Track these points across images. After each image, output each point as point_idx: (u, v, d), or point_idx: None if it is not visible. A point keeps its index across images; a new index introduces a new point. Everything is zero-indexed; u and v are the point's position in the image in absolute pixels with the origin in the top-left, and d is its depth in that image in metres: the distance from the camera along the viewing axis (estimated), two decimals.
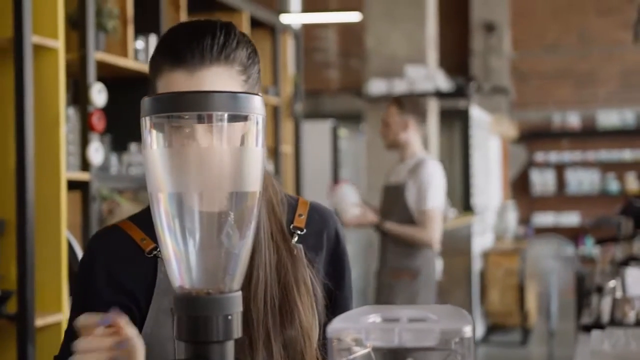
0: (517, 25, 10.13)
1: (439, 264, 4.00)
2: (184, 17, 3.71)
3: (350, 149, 7.39)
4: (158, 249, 1.21)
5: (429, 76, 5.78)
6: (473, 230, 6.95)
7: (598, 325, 2.44)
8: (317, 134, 6.72)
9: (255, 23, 4.40)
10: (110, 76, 3.23)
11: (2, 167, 2.69)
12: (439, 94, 5.89)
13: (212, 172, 0.91)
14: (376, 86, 5.79)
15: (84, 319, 1.04)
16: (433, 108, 6.03)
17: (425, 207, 3.79)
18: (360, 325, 0.84)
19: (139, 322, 1.21)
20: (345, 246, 1.36)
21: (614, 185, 10.00)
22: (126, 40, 3.25)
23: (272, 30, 4.68)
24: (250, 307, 1.20)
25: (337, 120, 7.33)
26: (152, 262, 1.22)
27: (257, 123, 0.91)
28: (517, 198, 10.04)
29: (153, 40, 3.40)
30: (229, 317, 0.88)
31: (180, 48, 1.16)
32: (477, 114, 7.49)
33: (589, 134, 10.05)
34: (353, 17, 6.68)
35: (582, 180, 10.09)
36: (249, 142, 0.91)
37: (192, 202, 0.89)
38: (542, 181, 10.21)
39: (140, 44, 3.35)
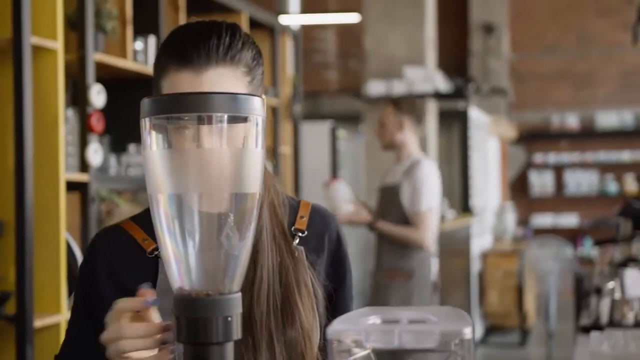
0: (516, 26, 10.14)
1: (434, 265, 4.00)
2: (183, 18, 3.71)
3: (349, 150, 7.39)
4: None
5: (427, 77, 5.78)
6: (472, 232, 6.96)
7: (597, 326, 2.44)
8: (315, 135, 6.72)
9: (254, 24, 4.40)
10: (109, 77, 3.23)
11: (1, 168, 2.69)
12: (438, 95, 5.89)
13: (212, 174, 0.90)
14: (375, 87, 5.79)
15: (125, 301, 1.01)
16: (432, 109, 6.03)
17: (419, 208, 3.79)
18: (360, 327, 0.84)
19: None
20: (347, 248, 1.36)
21: (612, 186, 10.00)
22: (125, 41, 3.25)
23: (271, 31, 4.68)
24: (253, 308, 1.21)
25: (336, 121, 7.33)
26: (153, 263, 1.22)
27: (257, 124, 0.91)
28: (515, 199, 10.04)
29: (152, 41, 3.40)
30: (229, 318, 0.88)
31: (187, 48, 1.16)
32: (476, 115, 7.49)
33: (588, 135, 10.06)
34: (352, 18, 6.68)
35: (580, 181, 10.10)
36: (248, 143, 0.91)
37: (191, 204, 0.89)
38: (541, 182, 10.21)
39: (139, 44, 3.35)
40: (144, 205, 1.14)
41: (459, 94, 6.32)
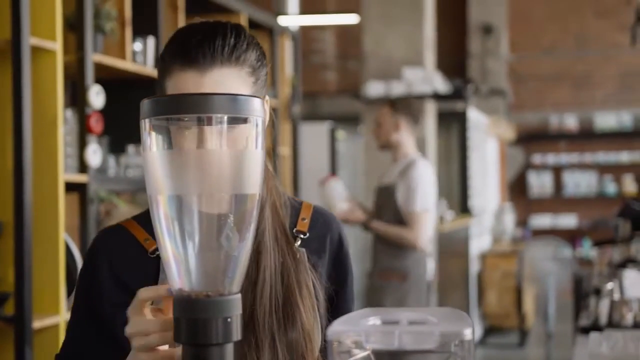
0: (515, 28, 10.14)
1: (430, 265, 4.00)
2: (182, 18, 3.71)
3: (348, 151, 7.39)
4: None
5: (426, 78, 5.78)
6: (470, 232, 6.96)
7: (596, 327, 2.44)
8: (314, 136, 6.71)
9: (253, 25, 4.40)
10: (108, 78, 3.23)
11: (0, 168, 2.69)
12: (437, 96, 5.90)
13: (212, 175, 0.90)
14: (374, 88, 5.79)
15: (148, 290, 1.00)
16: (430, 110, 6.03)
17: (414, 208, 3.79)
18: (360, 328, 0.84)
19: None
20: (348, 250, 1.36)
21: (611, 187, 10.01)
22: (124, 42, 3.25)
23: (269, 32, 4.68)
24: (255, 309, 1.21)
25: (334, 122, 7.33)
26: (155, 262, 1.22)
27: (256, 125, 0.91)
28: (514, 200, 10.05)
29: (151, 42, 3.40)
30: (229, 319, 0.88)
31: (191, 48, 1.16)
32: (475, 116, 7.50)
33: (587, 136, 10.06)
34: (351, 19, 6.68)
35: (579, 182, 10.10)
36: (248, 144, 0.91)
37: (191, 205, 0.89)
38: (540, 183, 10.21)
39: (138, 45, 3.35)
40: (143, 206, 1.14)
41: (457, 94, 6.32)
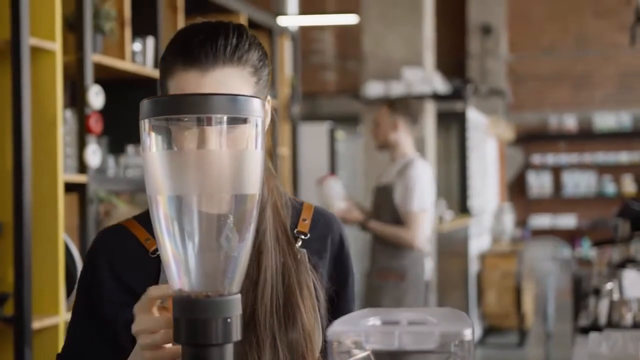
0: (514, 28, 10.14)
1: (428, 265, 4.00)
2: (181, 19, 3.71)
3: (348, 152, 7.39)
4: None
5: (426, 78, 5.78)
6: (470, 233, 6.96)
7: (595, 327, 2.45)
8: (314, 136, 6.72)
9: (253, 25, 4.40)
10: (108, 78, 3.23)
11: None
12: (436, 97, 5.90)
13: (212, 175, 0.90)
14: (373, 88, 5.79)
15: (157, 288, 1.00)
16: (430, 110, 6.03)
17: (411, 207, 3.80)
18: (360, 328, 0.84)
19: None
20: (350, 251, 1.36)
21: (610, 188, 10.01)
22: (123, 43, 3.25)
23: (269, 32, 4.68)
24: (257, 309, 1.21)
25: (334, 122, 7.33)
26: (155, 262, 1.22)
27: (256, 125, 0.91)
28: (513, 200, 10.05)
29: (150, 42, 3.40)
30: (228, 319, 0.88)
31: (193, 48, 1.16)
32: (474, 116, 7.50)
33: (586, 136, 10.07)
34: (350, 19, 6.69)
35: (578, 183, 10.10)
36: (248, 144, 0.91)
37: (191, 205, 0.89)
38: (539, 183, 10.22)
39: (137, 46, 3.34)
40: (142, 207, 1.14)
41: (457, 95, 6.33)
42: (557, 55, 10.15)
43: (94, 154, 2.97)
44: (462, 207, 7.13)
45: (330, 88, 10.12)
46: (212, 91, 1.15)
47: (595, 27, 10.06)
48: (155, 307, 1.00)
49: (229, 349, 0.89)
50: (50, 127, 2.73)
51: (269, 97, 1.28)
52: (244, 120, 0.91)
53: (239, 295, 0.90)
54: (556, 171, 10.21)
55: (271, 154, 1.28)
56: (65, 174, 2.81)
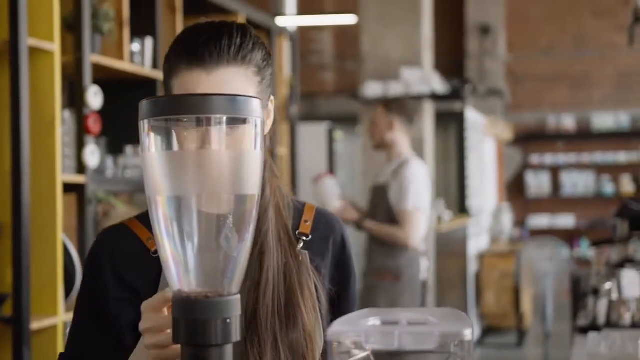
0: (512, 28, 10.15)
1: (424, 265, 3.99)
2: (180, 19, 3.71)
3: (346, 152, 7.39)
4: None
5: (424, 78, 5.78)
6: (468, 233, 6.96)
7: (594, 327, 2.45)
8: (312, 137, 6.72)
9: (251, 25, 4.40)
10: (106, 79, 3.23)
11: None
12: (435, 97, 5.90)
13: (211, 175, 0.90)
14: (372, 89, 5.79)
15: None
16: (428, 110, 6.03)
17: (406, 207, 3.80)
18: (360, 328, 0.84)
19: None
20: (351, 252, 1.36)
21: (608, 188, 10.02)
22: (122, 43, 3.24)
23: (267, 32, 4.68)
24: (259, 308, 1.21)
25: (332, 122, 7.33)
26: (157, 262, 1.22)
27: (256, 126, 0.91)
28: (512, 200, 10.05)
29: (149, 42, 3.40)
30: (228, 320, 0.88)
31: (198, 47, 1.17)
32: (472, 116, 7.50)
33: (584, 136, 10.07)
34: (348, 19, 6.69)
35: (577, 183, 10.11)
36: (248, 144, 0.91)
37: (190, 205, 0.89)
38: (537, 183, 10.22)
39: (136, 46, 3.34)
40: (141, 207, 1.14)
41: (455, 95, 6.33)
42: (555, 56, 10.16)
43: (92, 155, 2.97)
44: (461, 207, 7.13)
45: (328, 88, 10.12)
46: (216, 91, 1.15)
47: (593, 27, 10.07)
48: (166, 307, 1.00)
49: (229, 349, 0.89)
50: (48, 127, 2.73)
51: (272, 97, 1.28)
52: (244, 121, 0.90)
53: (239, 296, 0.90)
54: (554, 171, 10.21)
55: (274, 154, 1.28)
56: (63, 175, 2.81)
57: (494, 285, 7.30)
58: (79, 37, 2.95)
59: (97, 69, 3.07)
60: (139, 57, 3.35)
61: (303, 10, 7.11)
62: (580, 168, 10.10)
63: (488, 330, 7.35)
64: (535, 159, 10.21)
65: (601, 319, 2.53)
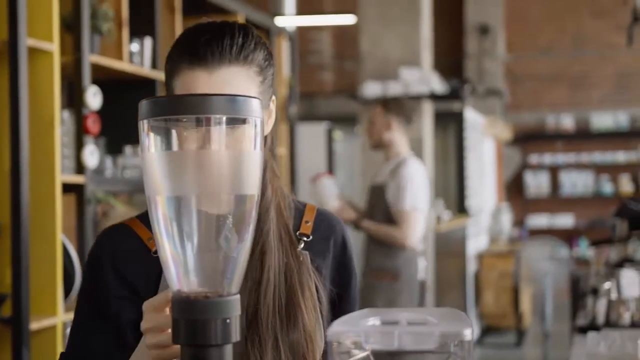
0: (511, 28, 10.15)
1: (421, 265, 3.99)
2: (179, 19, 3.70)
3: (345, 151, 7.39)
4: None
5: (423, 78, 5.78)
6: (467, 232, 6.96)
7: (593, 326, 2.45)
8: (311, 136, 6.72)
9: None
10: (105, 79, 3.23)
11: None
12: (434, 97, 5.90)
13: (211, 175, 0.90)
14: (371, 88, 5.79)
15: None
16: (427, 110, 6.03)
17: (403, 206, 3.80)
18: (360, 329, 0.84)
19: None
20: (352, 253, 1.36)
21: (607, 187, 10.02)
22: (121, 43, 3.24)
23: (267, 32, 4.68)
24: (259, 308, 1.21)
25: (331, 122, 7.33)
26: (157, 262, 1.22)
27: (255, 126, 0.91)
28: (511, 200, 10.05)
29: (148, 42, 3.40)
30: (227, 320, 0.88)
31: (200, 47, 1.17)
32: (472, 116, 7.50)
33: (583, 136, 10.08)
34: (347, 19, 6.69)
35: (576, 182, 10.12)
36: (247, 145, 0.91)
37: (190, 205, 0.89)
38: (536, 183, 10.22)
39: (135, 46, 3.34)
40: (140, 207, 1.14)
41: (454, 95, 6.33)
42: (554, 56, 10.16)
43: (91, 155, 2.97)
44: (460, 207, 7.13)
45: (327, 88, 10.12)
46: (218, 91, 1.16)
47: (592, 27, 10.07)
48: (168, 307, 1.00)
49: (228, 349, 0.89)
50: (47, 127, 2.73)
51: (273, 97, 1.28)
52: (243, 121, 0.90)
53: (238, 296, 0.90)
54: (554, 171, 10.22)
55: (274, 154, 1.28)
56: (62, 175, 2.81)
57: (493, 285, 7.30)
58: (78, 37, 2.95)
59: (96, 69, 3.07)
60: (138, 57, 3.35)
61: (302, 10, 7.11)
62: (579, 168, 10.11)
63: (487, 330, 7.35)
64: (534, 158, 10.22)
65: (600, 318, 2.53)
